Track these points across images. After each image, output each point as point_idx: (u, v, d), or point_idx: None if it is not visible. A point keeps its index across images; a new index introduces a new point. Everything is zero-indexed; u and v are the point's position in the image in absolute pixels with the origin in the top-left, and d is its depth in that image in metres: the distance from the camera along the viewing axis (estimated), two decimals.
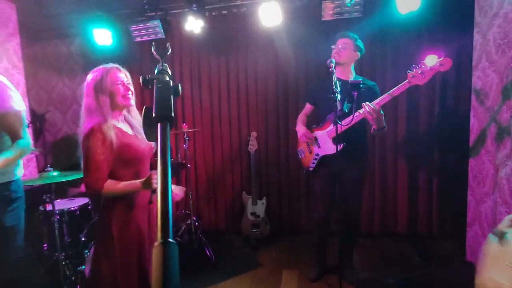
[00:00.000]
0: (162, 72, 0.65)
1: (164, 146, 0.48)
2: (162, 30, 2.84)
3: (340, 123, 1.96)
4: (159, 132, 0.50)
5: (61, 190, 2.84)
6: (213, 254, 2.83)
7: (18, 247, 1.79)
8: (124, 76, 1.54)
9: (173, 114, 0.56)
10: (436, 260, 2.82)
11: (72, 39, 3.73)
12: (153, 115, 0.53)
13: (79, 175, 2.70)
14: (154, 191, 1.44)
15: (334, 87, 1.86)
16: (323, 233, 2.50)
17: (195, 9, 2.78)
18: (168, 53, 0.75)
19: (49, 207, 2.60)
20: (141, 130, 1.57)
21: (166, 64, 0.67)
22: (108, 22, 2.95)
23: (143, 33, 2.89)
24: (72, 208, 2.66)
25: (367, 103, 2.01)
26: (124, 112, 1.59)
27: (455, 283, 1.98)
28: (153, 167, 1.66)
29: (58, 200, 2.76)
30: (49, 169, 2.30)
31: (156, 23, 2.79)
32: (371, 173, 3.16)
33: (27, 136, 1.75)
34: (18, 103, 1.72)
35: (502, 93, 1.95)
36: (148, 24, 2.82)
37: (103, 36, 2.94)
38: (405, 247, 3.02)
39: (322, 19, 2.59)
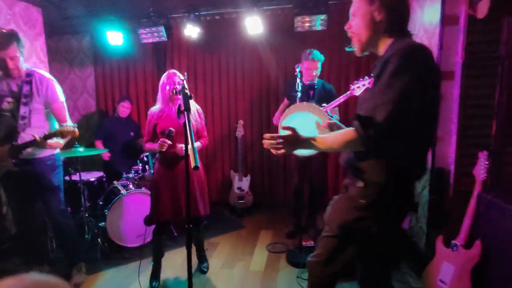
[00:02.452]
0: (184, 88, 1.29)
1: (189, 122, 1.13)
2: (165, 34, 3.42)
3: None
4: (186, 116, 1.15)
5: (84, 163, 3.40)
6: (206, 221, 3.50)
7: (61, 201, 2.42)
8: (178, 77, 2.21)
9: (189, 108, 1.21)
10: None
11: (83, 35, 4.27)
12: (182, 108, 1.18)
13: (98, 151, 3.33)
14: (161, 150, 2.15)
15: (296, 87, 2.51)
16: (297, 199, 3.14)
17: (192, 16, 3.37)
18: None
19: (74, 177, 3.23)
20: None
21: (185, 84, 1.32)
22: (120, 25, 3.53)
23: (149, 36, 3.47)
24: (91, 179, 3.30)
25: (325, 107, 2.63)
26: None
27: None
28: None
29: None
30: (76, 145, 2.90)
31: (160, 28, 3.38)
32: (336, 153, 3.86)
33: (69, 120, 2.34)
34: (62, 94, 2.32)
35: None
36: (153, 28, 3.40)
37: (115, 37, 3.52)
38: None
39: (295, 30, 3.21)
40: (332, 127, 1.41)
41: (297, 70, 2.63)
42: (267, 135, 1.21)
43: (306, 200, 3.19)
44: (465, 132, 2.26)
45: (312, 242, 2.92)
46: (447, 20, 2.29)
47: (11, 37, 2.06)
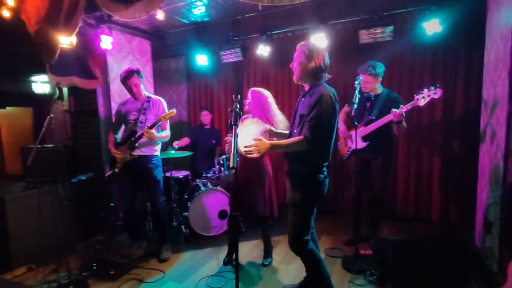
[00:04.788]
0: (236, 107, 1.66)
1: (235, 132, 1.49)
2: (241, 54, 3.94)
3: (358, 125, 2.74)
4: (234, 129, 1.51)
5: (175, 163, 4.15)
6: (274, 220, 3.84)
7: (162, 193, 3.11)
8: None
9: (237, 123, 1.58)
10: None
11: (179, 58, 5.16)
12: (231, 123, 1.55)
13: (186, 153, 4.00)
14: None
15: (353, 99, 2.64)
16: (355, 208, 3.20)
17: (264, 37, 3.79)
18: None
19: (167, 174, 3.99)
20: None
21: (237, 104, 1.68)
22: (205, 49, 4.21)
23: (228, 56, 4.05)
24: (180, 177, 4.00)
25: (393, 109, 2.66)
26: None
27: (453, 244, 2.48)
28: None
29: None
30: (169, 148, 3.62)
31: (238, 49, 3.91)
32: (407, 164, 3.72)
33: (169, 130, 3.04)
34: (167, 110, 3.01)
35: (493, 103, 2.44)
36: (232, 50, 3.96)
37: (202, 59, 4.21)
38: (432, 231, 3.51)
39: (360, 42, 3.30)
40: (270, 132, 2.26)
41: (356, 82, 2.75)
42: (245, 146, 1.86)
43: (366, 208, 3.20)
44: None
45: (371, 251, 2.93)
46: None
47: (133, 71, 2.95)
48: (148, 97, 3.06)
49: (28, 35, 2.74)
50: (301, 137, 1.92)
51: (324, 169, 2.09)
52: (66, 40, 2.71)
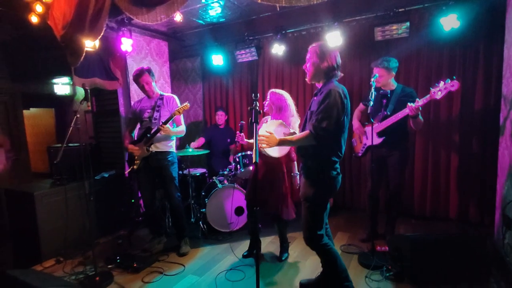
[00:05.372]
0: (256, 105, 1.72)
1: (256, 131, 1.55)
2: (256, 53, 4.00)
3: (373, 121, 2.75)
4: (254, 127, 1.57)
5: (192, 161, 4.28)
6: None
7: (177, 189, 3.21)
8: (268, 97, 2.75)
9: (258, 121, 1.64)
10: None
11: (195, 58, 5.26)
12: (252, 120, 1.61)
13: (203, 151, 4.09)
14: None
15: (369, 96, 2.66)
16: (372, 205, 3.20)
17: (279, 36, 3.84)
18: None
19: (184, 172, 4.10)
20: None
21: (257, 103, 1.75)
22: (221, 49, 4.29)
23: (243, 56, 4.11)
24: (197, 174, 4.10)
25: (409, 103, 2.67)
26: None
27: (472, 242, 2.43)
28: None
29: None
30: (187, 147, 3.72)
31: (253, 48, 3.97)
32: (425, 161, 3.69)
33: (184, 125, 3.13)
34: (179, 104, 3.10)
35: None
36: (247, 49, 4.02)
37: (217, 59, 4.30)
38: (450, 229, 3.48)
39: (375, 39, 3.30)
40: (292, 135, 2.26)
41: (372, 79, 2.76)
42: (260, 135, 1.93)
43: (382, 206, 3.21)
44: None
45: (388, 248, 2.95)
46: None
47: (143, 70, 3.06)
48: (161, 95, 3.15)
49: (54, 39, 2.88)
50: (308, 131, 1.98)
51: (337, 165, 2.12)
52: (89, 43, 2.83)
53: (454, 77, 2.56)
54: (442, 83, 2.57)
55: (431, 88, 2.61)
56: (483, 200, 3.41)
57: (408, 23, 3.11)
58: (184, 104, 2.95)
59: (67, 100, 6.24)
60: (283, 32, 3.92)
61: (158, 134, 2.97)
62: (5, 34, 3.92)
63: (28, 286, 1.93)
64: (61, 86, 6.05)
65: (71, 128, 2.53)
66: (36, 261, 3.01)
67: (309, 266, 2.85)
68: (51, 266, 3.01)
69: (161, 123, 2.91)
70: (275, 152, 2.41)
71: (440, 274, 2.41)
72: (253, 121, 1.66)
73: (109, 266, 2.90)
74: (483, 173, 3.38)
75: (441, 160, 3.63)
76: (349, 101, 2.03)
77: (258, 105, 1.73)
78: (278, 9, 2.59)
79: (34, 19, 2.97)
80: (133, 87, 4.01)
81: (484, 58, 3.26)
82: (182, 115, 3.09)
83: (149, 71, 3.08)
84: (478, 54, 3.29)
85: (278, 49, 3.93)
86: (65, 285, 2.29)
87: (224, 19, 4.00)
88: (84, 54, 2.75)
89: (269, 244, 3.32)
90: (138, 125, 3.21)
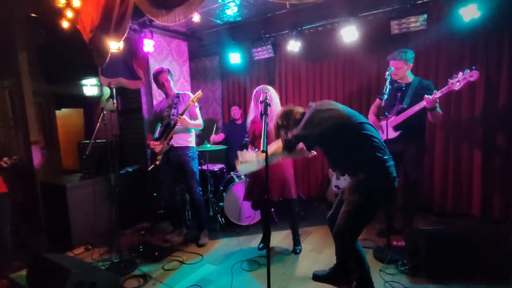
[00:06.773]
0: (266, 98, 1.80)
1: (266, 127, 1.64)
2: (272, 50, 4.06)
3: (387, 115, 2.74)
4: (264, 119, 1.65)
5: (211, 156, 4.42)
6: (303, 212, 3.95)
7: (198, 183, 3.34)
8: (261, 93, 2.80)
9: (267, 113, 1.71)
10: None
11: (214, 57, 5.41)
12: (262, 112, 1.69)
13: (221, 147, 4.20)
14: None
15: (384, 89, 2.65)
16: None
17: (295, 33, 3.88)
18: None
19: (203, 167, 4.24)
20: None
21: (267, 96, 1.82)
22: (238, 47, 4.40)
23: (260, 53, 4.19)
24: (215, 169, 4.23)
25: (426, 95, 2.63)
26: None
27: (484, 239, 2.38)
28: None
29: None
30: (206, 143, 3.86)
31: (269, 46, 4.04)
32: (445, 156, 3.61)
33: (201, 118, 3.26)
34: (196, 102, 3.24)
35: None
36: (263, 47, 4.10)
37: (235, 57, 4.40)
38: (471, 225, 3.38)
39: (392, 33, 3.27)
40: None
41: (387, 73, 2.75)
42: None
43: (399, 200, 3.17)
44: None
45: (404, 243, 2.92)
46: None
47: (163, 69, 3.27)
48: (178, 93, 3.31)
49: (82, 42, 3.10)
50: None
51: (383, 172, 1.92)
52: (114, 45, 3.02)
53: (474, 67, 2.50)
54: (460, 73, 2.52)
55: (449, 79, 2.57)
56: (508, 197, 3.29)
57: (425, 15, 3.05)
58: (197, 93, 3.07)
59: (95, 101, 6.60)
60: (299, 28, 3.96)
61: (177, 126, 3.12)
62: (40, 38, 4.23)
63: (62, 267, 2.12)
64: (89, 87, 6.42)
65: (98, 123, 2.71)
66: (67, 249, 3.26)
67: (324, 258, 2.89)
68: (81, 253, 3.24)
69: (178, 115, 3.07)
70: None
71: (457, 269, 2.38)
72: (263, 112, 1.74)
73: (133, 254, 3.09)
74: (508, 169, 3.27)
75: (463, 156, 3.53)
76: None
77: (268, 98, 1.80)
78: (288, 7, 2.63)
79: (65, 24, 3.20)
80: (155, 86, 4.19)
81: (509, 49, 3.14)
82: (199, 110, 3.22)
83: (168, 71, 3.28)
84: (502, 45, 3.17)
85: (294, 46, 3.97)
86: (93, 268, 2.48)
87: (240, 18, 4.10)
88: (109, 55, 2.94)
89: (285, 237, 3.39)
90: (159, 127, 3.37)
